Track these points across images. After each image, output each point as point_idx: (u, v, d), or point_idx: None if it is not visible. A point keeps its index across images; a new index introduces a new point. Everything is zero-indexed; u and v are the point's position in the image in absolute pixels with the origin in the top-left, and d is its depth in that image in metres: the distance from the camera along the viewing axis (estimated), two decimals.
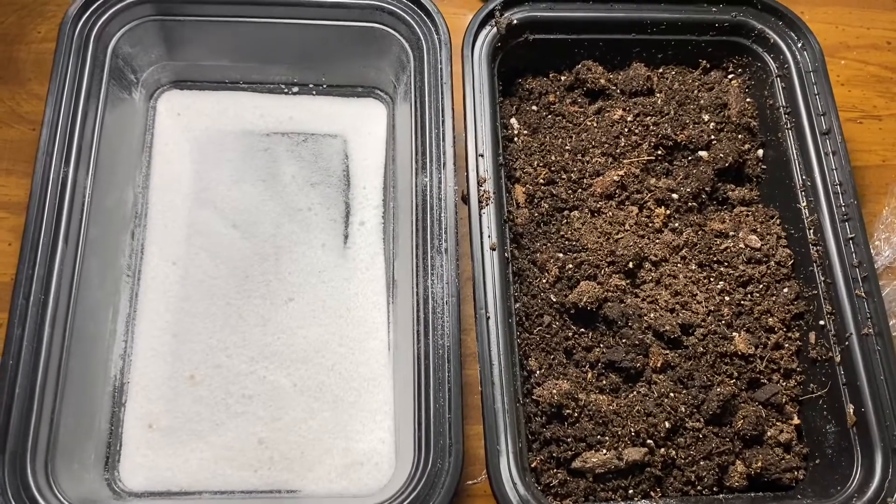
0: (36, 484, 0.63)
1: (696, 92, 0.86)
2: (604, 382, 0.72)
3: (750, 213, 0.82)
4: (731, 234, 0.80)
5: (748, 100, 0.86)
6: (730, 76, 0.88)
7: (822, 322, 0.74)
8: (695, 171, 0.82)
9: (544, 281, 0.75)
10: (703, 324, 0.74)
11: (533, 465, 0.68)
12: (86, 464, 0.70)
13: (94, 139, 0.75)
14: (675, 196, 0.81)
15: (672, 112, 0.84)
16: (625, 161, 0.81)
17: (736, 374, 0.74)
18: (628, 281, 0.76)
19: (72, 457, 0.68)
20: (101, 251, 0.75)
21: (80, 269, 0.70)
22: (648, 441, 0.70)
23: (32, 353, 0.66)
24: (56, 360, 0.67)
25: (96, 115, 0.76)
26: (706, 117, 0.84)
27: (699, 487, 0.70)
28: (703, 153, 0.83)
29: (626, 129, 0.83)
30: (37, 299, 0.67)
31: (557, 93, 0.86)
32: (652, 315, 0.74)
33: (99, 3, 0.78)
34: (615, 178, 0.80)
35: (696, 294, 0.76)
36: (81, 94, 0.75)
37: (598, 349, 0.73)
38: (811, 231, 0.77)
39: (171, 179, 0.83)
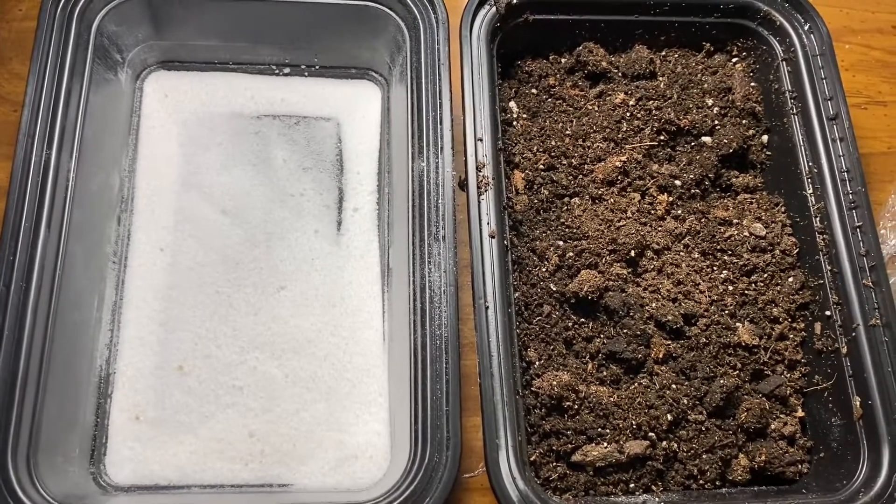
0: (18, 480, 0.61)
1: (699, 76, 0.84)
2: (604, 374, 0.71)
3: (754, 201, 0.80)
4: (735, 221, 0.78)
5: (752, 84, 0.84)
6: (734, 60, 0.86)
7: (828, 312, 0.73)
8: (698, 157, 0.80)
9: (544, 269, 0.73)
10: (705, 314, 0.73)
11: (532, 459, 0.67)
12: (70, 457, 0.68)
13: (77, 121, 0.73)
14: (677, 182, 0.79)
15: (675, 96, 0.82)
16: (627, 146, 0.80)
17: (739, 365, 0.72)
18: (630, 270, 0.74)
19: (55, 450, 0.66)
20: (86, 237, 0.73)
21: (63, 256, 0.69)
22: (650, 434, 0.69)
23: (13, 343, 0.64)
24: (38, 350, 0.65)
25: (80, 95, 0.74)
26: (710, 102, 0.82)
27: (701, 481, 0.69)
28: (706, 139, 0.81)
29: (628, 114, 0.81)
30: (18, 287, 0.66)
31: (558, 75, 0.84)
32: (654, 305, 0.72)
33: None
34: (617, 163, 0.78)
35: (699, 283, 0.75)
36: (64, 75, 0.73)
37: (598, 340, 0.72)
38: (817, 219, 0.75)
39: (159, 163, 0.81)
